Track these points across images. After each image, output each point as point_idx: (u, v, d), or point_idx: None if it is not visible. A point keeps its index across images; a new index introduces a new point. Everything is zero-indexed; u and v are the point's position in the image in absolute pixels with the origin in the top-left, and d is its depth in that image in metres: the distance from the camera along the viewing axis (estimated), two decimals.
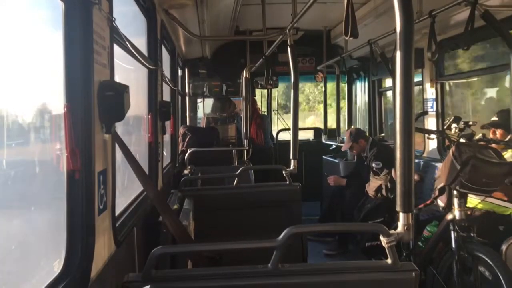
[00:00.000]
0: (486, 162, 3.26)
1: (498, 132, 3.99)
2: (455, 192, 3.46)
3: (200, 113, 8.29)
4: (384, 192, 5.09)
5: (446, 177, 3.43)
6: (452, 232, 3.43)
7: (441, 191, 3.64)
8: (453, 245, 3.38)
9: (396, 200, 1.78)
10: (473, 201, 3.84)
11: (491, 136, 3.93)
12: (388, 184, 5.03)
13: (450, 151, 3.42)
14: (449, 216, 3.53)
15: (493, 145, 3.69)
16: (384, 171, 5.12)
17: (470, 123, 3.91)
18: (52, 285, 1.43)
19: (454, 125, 3.84)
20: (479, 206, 3.80)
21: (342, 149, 6.23)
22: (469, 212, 3.83)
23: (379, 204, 5.10)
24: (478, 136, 3.78)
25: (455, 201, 3.47)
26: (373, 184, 5.24)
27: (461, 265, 3.30)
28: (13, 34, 1.38)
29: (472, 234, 3.35)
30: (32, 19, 1.56)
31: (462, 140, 3.72)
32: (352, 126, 8.07)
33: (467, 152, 3.30)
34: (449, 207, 3.57)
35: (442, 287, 3.39)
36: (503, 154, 3.86)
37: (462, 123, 3.82)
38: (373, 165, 5.18)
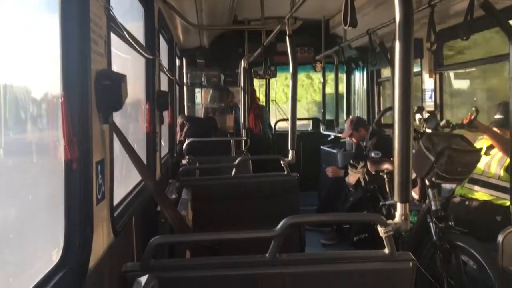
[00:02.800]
0: (461, 151, 3.26)
1: (507, 134, 3.64)
2: (428, 183, 3.46)
3: (198, 101, 8.27)
4: (363, 184, 5.10)
5: (419, 169, 3.40)
6: (430, 223, 3.43)
7: (413, 183, 3.65)
8: (433, 236, 3.39)
9: (393, 190, 1.78)
10: (472, 192, 3.86)
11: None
12: (366, 177, 5.04)
13: (421, 143, 3.39)
14: (425, 208, 3.54)
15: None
16: (361, 164, 5.13)
17: (436, 112, 3.87)
18: (51, 275, 1.43)
19: (418, 116, 3.74)
20: (477, 196, 3.82)
21: (342, 136, 6.22)
22: (466, 203, 3.85)
23: (361, 197, 5.14)
24: (442, 122, 3.73)
25: (429, 191, 3.47)
26: (352, 177, 5.27)
27: (443, 256, 3.30)
28: (9, 23, 1.37)
29: (450, 223, 3.35)
30: (29, 7, 1.54)
31: (428, 130, 3.67)
32: (351, 116, 8.07)
33: (440, 142, 3.28)
34: (423, 198, 3.58)
35: (426, 278, 3.41)
36: (479, 142, 3.86)
37: (426, 112, 3.75)
38: (372, 154, 5.18)
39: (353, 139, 5.76)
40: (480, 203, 3.78)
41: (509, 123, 3.63)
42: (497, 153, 3.74)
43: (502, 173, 3.68)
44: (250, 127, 7.40)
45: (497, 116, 3.80)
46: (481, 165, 3.71)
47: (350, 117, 6.28)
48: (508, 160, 3.57)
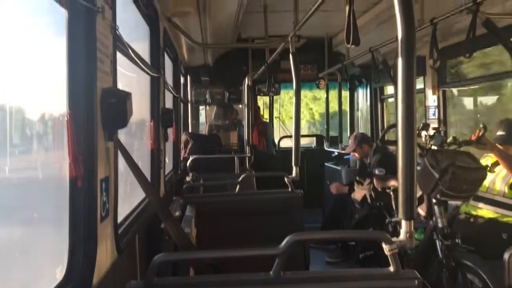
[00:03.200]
0: (465, 168, 3.24)
1: (511, 150, 3.64)
2: (434, 200, 3.44)
3: (202, 119, 8.30)
4: (369, 201, 5.07)
5: (424, 186, 3.38)
6: (436, 241, 3.40)
7: (420, 200, 3.62)
8: (440, 254, 3.35)
9: (398, 208, 1.77)
10: (476, 209, 3.83)
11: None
12: (372, 193, 5.01)
13: (425, 160, 3.37)
14: (431, 225, 3.51)
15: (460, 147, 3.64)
16: (367, 181, 5.10)
17: (441, 129, 3.85)
18: None
19: (423, 133, 3.71)
20: (482, 214, 3.79)
21: (345, 151, 6.20)
22: (471, 220, 3.81)
23: (367, 214, 5.10)
24: (449, 139, 3.71)
25: (435, 209, 3.45)
26: (357, 194, 5.23)
27: (450, 274, 3.26)
28: (16, 41, 1.39)
29: (457, 241, 3.31)
30: (36, 26, 1.57)
31: (433, 147, 3.65)
32: (355, 132, 8.07)
33: (444, 159, 3.26)
34: (430, 215, 3.55)
35: None
36: (483, 159, 3.84)
37: (432, 129, 3.73)
38: (376, 171, 5.16)
39: (356, 155, 5.74)
40: (486, 221, 3.75)
41: (511, 139, 3.64)
42: (501, 170, 3.72)
43: (506, 190, 3.66)
44: (254, 144, 7.42)
45: (500, 133, 3.78)
46: (485, 182, 3.68)
47: (354, 133, 6.27)
48: None
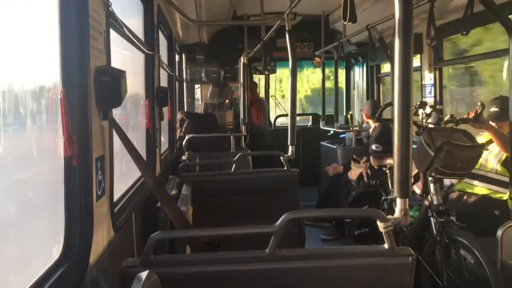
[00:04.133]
0: (460, 146, 3.26)
1: (504, 126, 3.65)
2: (430, 178, 3.46)
3: (197, 96, 8.27)
4: (365, 179, 5.10)
5: (420, 164, 3.40)
6: (431, 218, 3.44)
7: (416, 178, 3.65)
8: (434, 231, 3.40)
9: (394, 186, 1.79)
10: (470, 187, 3.87)
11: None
12: (369, 171, 5.04)
13: (421, 138, 3.39)
14: (426, 202, 3.54)
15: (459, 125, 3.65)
16: (363, 159, 5.13)
17: (438, 107, 3.85)
18: (51, 271, 1.44)
19: (420, 111, 3.72)
20: (475, 191, 3.83)
21: (363, 111, 6.25)
22: (465, 197, 3.85)
23: (363, 192, 5.14)
24: (447, 117, 3.72)
25: (431, 186, 3.47)
26: (354, 172, 5.26)
27: (444, 250, 3.31)
28: (7, 19, 1.36)
29: (451, 218, 3.35)
30: (28, 2, 1.54)
31: (430, 125, 3.65)
32: (350, 112, 8.08)
33: (440, 137, 3.28)
34: (425, 193, 3.59)
35: (428, 272, 3.42)
36: (479, 137, 3.85)
37: (428, 107, 3.73)
38: (373, 147, 5.18)
39: (371, 122, 5.71)
40: (478, 198, 3.79)
41: (504, 116, 3.59)
42: (495, 147, 3.74)
43: (499, 167, 3.69)
44: (253, 121, 7.43)
45: (493, 109, 3.81)
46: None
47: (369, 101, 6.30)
48: (505, 154, 3.58)
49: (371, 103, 6.00)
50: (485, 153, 3.77)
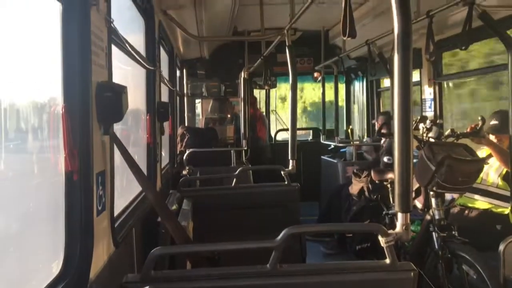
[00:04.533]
0: (461, 160, 3.25)
1: (504, 140, 3.67)
2: (431, 193, 3.45)
3: (198, 111, 8.30)
4: (366, 193, 5.09)
5: (421, 178, 3.40)
6: (433, 233, 3.42)
7: (417, 192, 3.64)
8: (436, 246, 3.38)
9: (395, 200, 1.78)
10: (471, 201, 3.85)
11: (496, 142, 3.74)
12: (370, 186, 5.03)
13: (422, 152, 3.38)
14: (428, 217, 3.53)
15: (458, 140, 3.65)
16: (364, 173, 5.12)
17: (438, 121, 3.86)
18: (51, 287, 1.43)
19: (421, 125, 3.73)
20: (477, 205, 3.81)
21: (376, 122, 6.24)
22: (466, 212, 3.84)
23: (364, 207, 5.12)
24: (447, 132, 3.72)
25: (432, 201, 3.46)
26: (355, 186, 5.26)
27: (446, 265, 3.29)
28: (10, 34, 1.38)
29: (453, 233, 3.34)
30: (30, 19, 1.55)
31: (431, 139, 3.65)
32: (350, 126, 8.09)
33: (440, 152, 3.27)
34: (427, 207, 3.57)
35: (430, 287, 3.39)
36: (480, 151, 3.85)
37: (429, 122, 3.74)
38: (385, 159, 5.18)
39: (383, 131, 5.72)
40: (480, 212, 3.77)
41: (504, 129, 3.60)
42: (495, 162, 3.74)
43: (500, 181, 3.68)
44: (259, 135, 7.45)
45: (493, 122, 3.82)
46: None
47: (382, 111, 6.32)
48: (505, 169, 3.57)
49: (385, 116, 5.97)
50: (486, 167, 3.77)
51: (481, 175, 3.71)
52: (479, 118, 3.66)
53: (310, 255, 4.11)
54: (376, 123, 6.18)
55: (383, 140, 5.66)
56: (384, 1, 4.81)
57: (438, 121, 3.89)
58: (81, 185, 1.57)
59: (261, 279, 1.82)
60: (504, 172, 3.66)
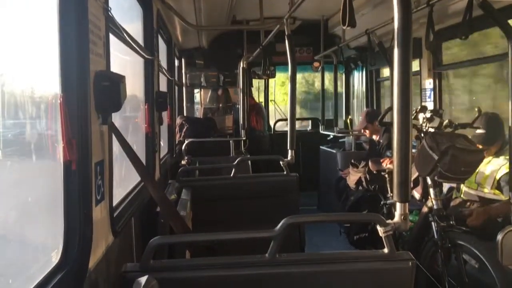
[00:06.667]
0: (465, 150, 3.24)
1: (492, 149, 3.59)
2: (430, 182, 3.45)
3: (197, 101, 8.28)
4: (364, 184, 5.09)
5: (422, 168, 3.38)
6: (432, 222, 3.42)
7: (415, 182, 3.63)
8: (435, 236, 3.38)
9: (393, 190, 1.78)
10: (471, 192, 3.85)
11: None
12: (367, 176, 5.03)
13: (424, 142, 3.36)
14: (427, 207, 3.53)
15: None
16: (362, 164, 5.12)
17: (440, 111, 3.84)
18: (50, 276, 1.43)
19: (421, 115, 3.68)
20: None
21: (356, 129, 6.17)
22: (468, 204, 3.84)
23: (361, 197, 5.12)
24: (445, 122, 3.69)
25: (431, 191, 3.46)
26: (353, 177, 5.25)
27: (444, 255, 3.30)
28: (8, 24, 1.36)
29: (451, 223, 3.34)
30: (28, 7, 1.54)
31: (430, 129, 3.62)
32: (366, 108, 8.05)
33: (444, 141, 3.27)
34: (425, 197, 3.57)
35: (426, 276, 3.41)
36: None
37: (429, 112, 3.70)
38: (388, 153, 5.16)
39: (367, 132, 5.67)
40: (481, 204, 3.77)
41: (491, 140, 3.57)
42: (485, 169, 3.67)
43: (493, 190, 3.63)
44: (253, 125, 7.42)
45: (479, 131, 3.60)
46: (474, 181, 3.68)
47: (365, 109, 6.22)
48: (497, 177, 3.54)
49: (367, 112, 5.86)
50: (481, 175, 3.70)
51: (480, 180, 3.67)
52: (476, 109, 3.63)
53: (309, 244, 4.12)
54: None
55: (377, 137, 5.57)
56: None
57: (438, 111, 3.86)
58: (79, 175, 1.56)
59: (260, 269, 1.83)
60: (496, 180, 3.59)
